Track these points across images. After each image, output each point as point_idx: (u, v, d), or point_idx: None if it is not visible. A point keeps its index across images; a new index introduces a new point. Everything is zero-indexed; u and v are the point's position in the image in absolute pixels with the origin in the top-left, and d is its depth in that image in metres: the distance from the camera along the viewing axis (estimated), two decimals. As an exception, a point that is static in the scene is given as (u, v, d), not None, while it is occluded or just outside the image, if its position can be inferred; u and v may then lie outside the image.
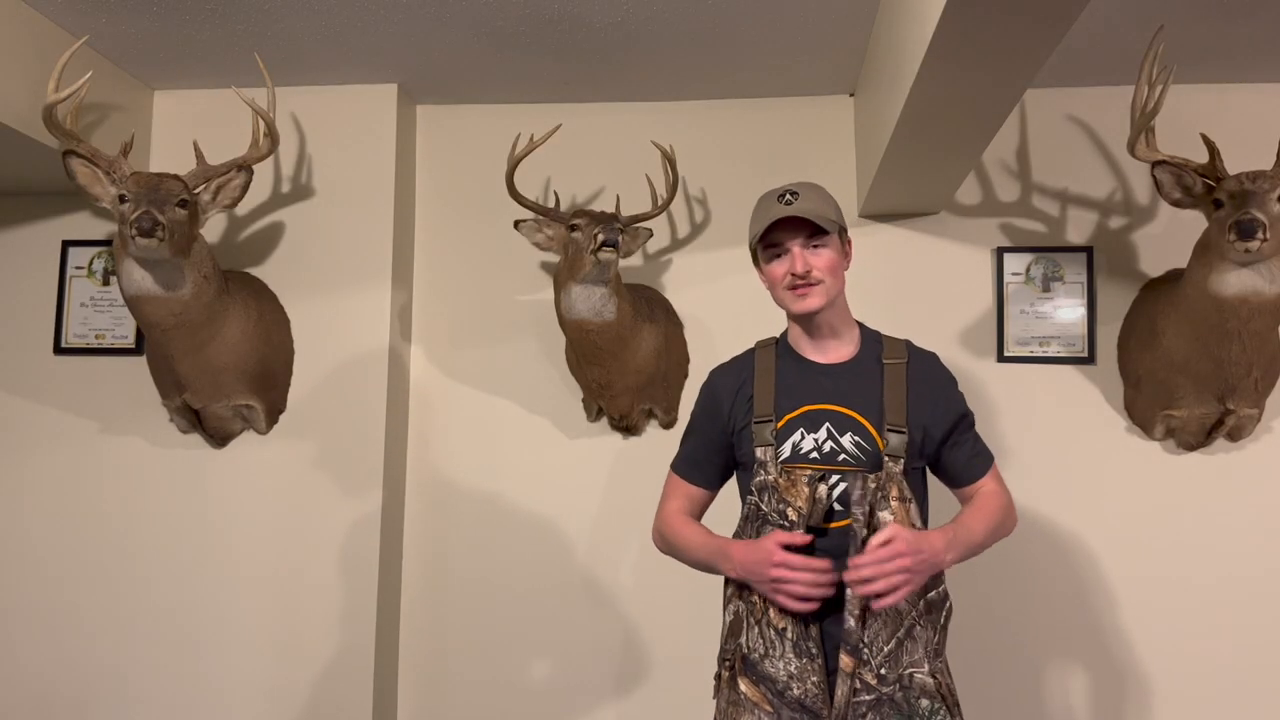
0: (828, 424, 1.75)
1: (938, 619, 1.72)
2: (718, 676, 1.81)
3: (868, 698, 1.65)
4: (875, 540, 1.59)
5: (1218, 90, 2.80)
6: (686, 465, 1.95)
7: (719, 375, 1.93)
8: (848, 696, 1.65)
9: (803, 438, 1.75)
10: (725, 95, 3.00)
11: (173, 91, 3.01)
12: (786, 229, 1.76)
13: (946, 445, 1.81)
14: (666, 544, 1.93)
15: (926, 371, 1.82)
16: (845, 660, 1.65)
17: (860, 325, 1.88)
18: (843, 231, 1.83)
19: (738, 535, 1.81)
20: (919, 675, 1.66)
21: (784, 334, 1.91)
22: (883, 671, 1.65)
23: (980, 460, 1.85)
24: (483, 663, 2.93)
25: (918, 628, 1.67)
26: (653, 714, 2.87)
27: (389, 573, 2.89)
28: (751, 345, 1.93)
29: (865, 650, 1.65)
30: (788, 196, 1.76)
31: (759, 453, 1.77)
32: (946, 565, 1.68)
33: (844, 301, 1.84)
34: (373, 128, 2.95)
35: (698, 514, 1.96)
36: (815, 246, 1.77)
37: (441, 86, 2.99)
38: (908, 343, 1.86)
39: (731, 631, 1.80)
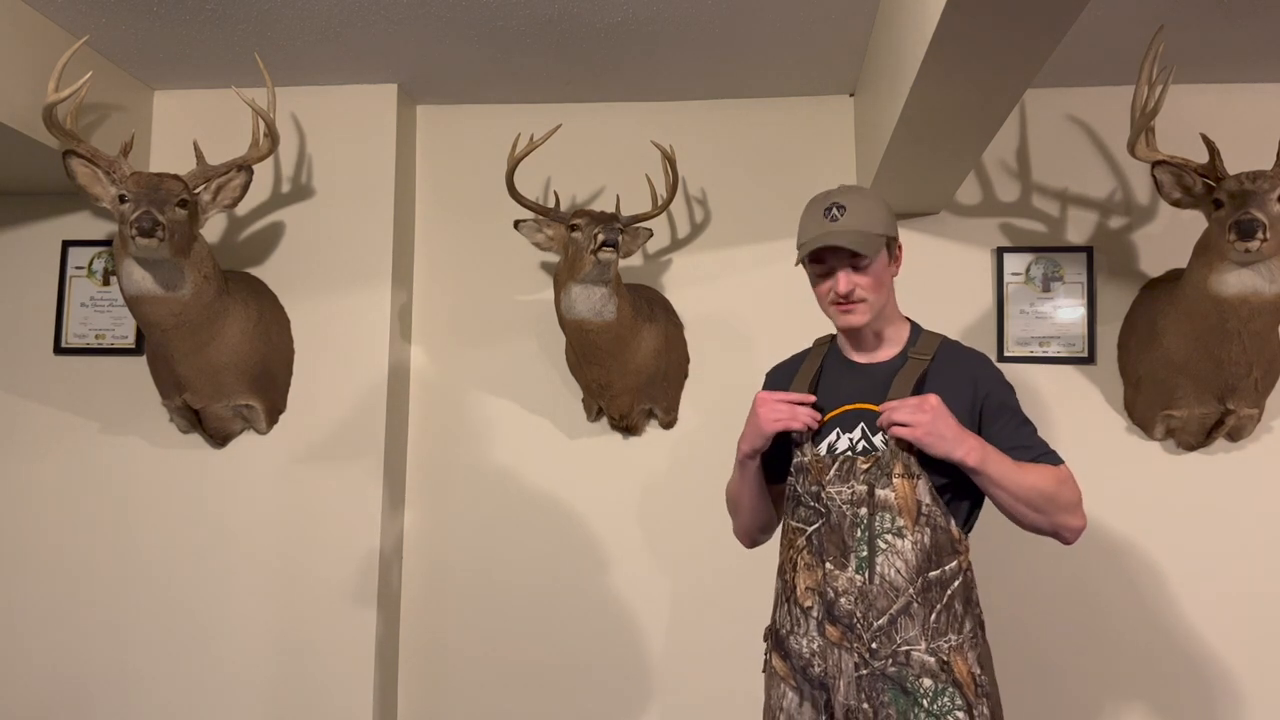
0: (863, 423, 1.77)
1: (938, 598, 1.70)
2: (766, 651, 1.88)
3: (864, 672, 1.70)
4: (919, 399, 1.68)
5: (1218, 90, 2.80)
6: None
7: (770, 375, 1.99)
8: (839, 666, 1.71)
9: (839, 437, 1.78)
10: (725, 95, 3.00)
11: (173, 91, 3.01)
12: (831, 248, 1.75)
13: (984, 438, 1.72)
14: (729, 503, 2.02)
15: (951, 366, 1.78)
16: (830, 630, 1.72)
17: (912, 324, 1.86)
18: (891, 240, 1.79)
19: (788, 513, 1.87)
20: (915, 653, 1.68)
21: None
22: (874, 646, 1.69)
23: (1043, 460, 1.72)
24: (483, 661, 2.93)
25: (914, 605, 1.69)
26: (652, 710, 2.87)
27: (389, 572, 2.90)
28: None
29: (859, 624, 1.69)
30: (834, 211, 1.74)
31: (795, 436, 1.83)
32: (961, 459, 1.64)
33: (892, 306, 1.83)
34: (373, 128, 2.95)
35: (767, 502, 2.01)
36: (861, 265, 1.75)
37: (441, 86, 2.99)
38: (943, 340, 1.82)
39: (774, 607, 1.88)
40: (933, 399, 1.67)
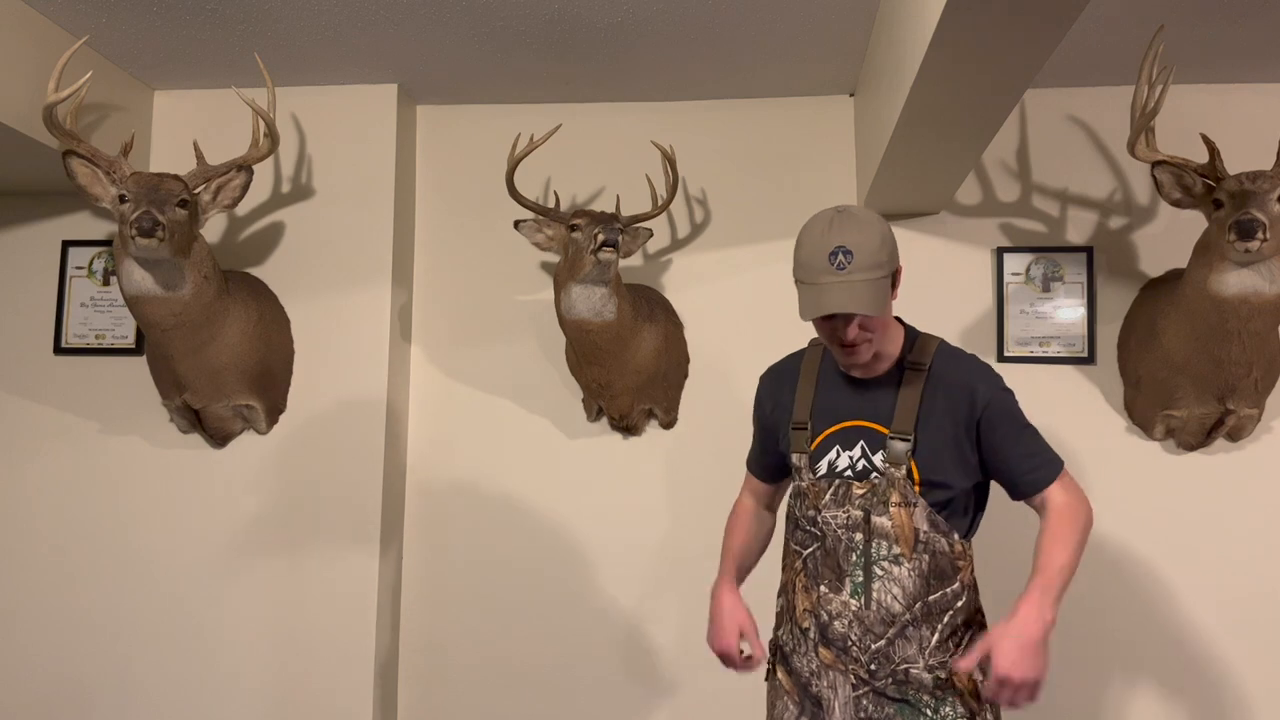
0: (862, 441, 1.75)
1: (938, 620, 1.71)
2: (769, 663, 1.89)
3: (864, 690, 1.71)
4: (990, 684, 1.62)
5: (1218, 90, 2.80)
6: (750, 460, 2.04)
7: (764, 380, 1.97)
8: (834, 687, 1.73)
9: (838, 455, 1.77)
10: (725, 95, 3.00)
11: (173, 91, 3.01)
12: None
13: (986, 448, 1.73)
14: None
15: (950, 376, 1.75)
16: (823, 653, 1.74)
17: (905, 329, 1.81)
18: (894, 272, 1.71)
19: (787, 534, 1.87)
20: (914, 671, 1.69)
21: None
22: (873, 667, 1.70)
23: (1044, 469, 1.72)
24: (483, 661, 2.93)
25: (910, 628, 1.70)
26: (652, 710, 2.87)
27: (389, 572, 2.89)
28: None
29: (854, 647, 1.71)
30: (840, 257, 1.62)
31: (794, 459, 1.82)
32: (1052, 624, 1.63)
33: (891, 325, 1.78)
34: (373, 128, 2.95)
35: (766, 503, 2.04)
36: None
37: (441, 86, 2.99)
38: (940, 345, 1.79)
39: (777, 623, 1.90)
40: (1002, 668, 1.59)
